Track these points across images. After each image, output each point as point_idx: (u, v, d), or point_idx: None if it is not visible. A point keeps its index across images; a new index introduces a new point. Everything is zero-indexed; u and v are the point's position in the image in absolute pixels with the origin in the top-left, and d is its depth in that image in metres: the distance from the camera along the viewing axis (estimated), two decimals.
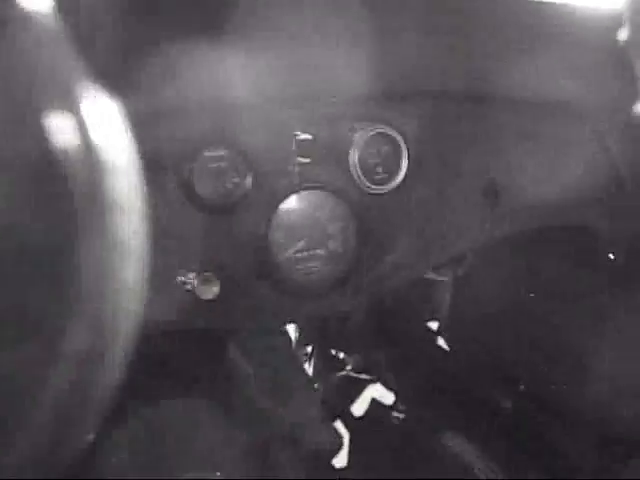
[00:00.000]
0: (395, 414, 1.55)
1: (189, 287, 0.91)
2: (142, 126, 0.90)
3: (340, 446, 1.32)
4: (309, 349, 1.70)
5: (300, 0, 0.96)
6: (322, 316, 1.01)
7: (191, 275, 0.91)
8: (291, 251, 0.98)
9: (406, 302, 1.71)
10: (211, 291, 0.89)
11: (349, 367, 1.75)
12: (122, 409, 1.23)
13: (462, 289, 1.75)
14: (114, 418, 1.21)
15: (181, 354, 1.32)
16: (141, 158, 0.89)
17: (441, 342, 1.79)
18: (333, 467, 1.36)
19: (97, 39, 0.84)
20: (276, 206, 0.97)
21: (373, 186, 1.02)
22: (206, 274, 0.90)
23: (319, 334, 1.65)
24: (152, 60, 0.88)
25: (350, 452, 1.55)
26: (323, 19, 0.98)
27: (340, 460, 1.47)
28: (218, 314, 0.96)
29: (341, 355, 1.76)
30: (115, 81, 0.84)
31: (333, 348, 1.70)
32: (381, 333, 1.69)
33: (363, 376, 1.75)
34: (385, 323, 1.69)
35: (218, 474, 1.05)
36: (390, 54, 1.01)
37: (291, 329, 1.62)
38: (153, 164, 0.90)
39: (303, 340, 1.64)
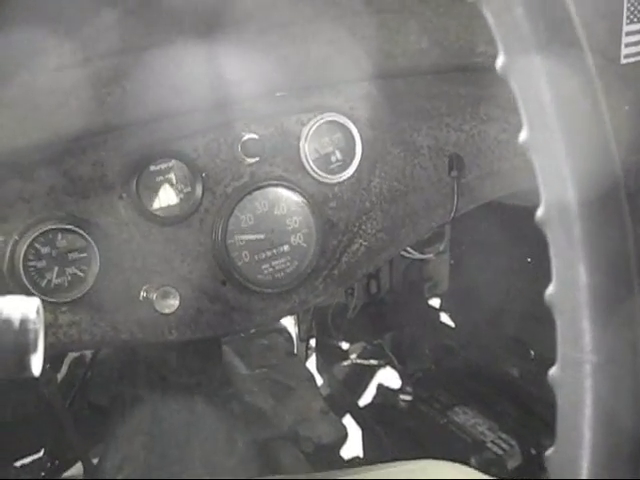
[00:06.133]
0: (403, 397, 1.55)
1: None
2: (85, 148, 0.90)
3: (344, 437, 1.32)
4: (312, 343, 1.70)
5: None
6: (296, 312, 1.01)
7: (151, 290, 0.91)
8: (253, 252, 0.98)
9: (405, 283, 1.70)
10: (169, 304, 0.89)
11: (354, 356, 1.74)
12: (122, 419, 1.25)
13: (460, 262, 1.73)
14: (116, 427, 1.23)
15: (176, 363, 1.33)
16: (87, 180, 0.90)
17: (445, 318, 1.78)
18: (341, 458, 1.36)
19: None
20: (231, 210, 0.96)
21: (329, 175, 1.01)
22: (163, 288, 0.90)
23: (319, 327, 1.64)
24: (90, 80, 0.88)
25: (363, 441, 1.55)
26: (261, 16, 0.98)
27: (351, 451, 1.47)
28: (188, 324, 0.96)
29: (344, 345, 1.76)
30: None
31: (335, 339, 1.70)
32: (383, 317, 1.68)
33: (371, 362, 1.75)
34: (386, 307, 1.68)
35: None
36: (329, 43, 1.00)
37: (290, 325, 1.62)
38: (100, 184, 0.90)
39: (305, 335, 1.64)
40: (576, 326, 0.39)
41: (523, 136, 0.41)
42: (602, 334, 0.38)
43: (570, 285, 0.39)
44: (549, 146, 0.40)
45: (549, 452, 0.41)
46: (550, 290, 0.40)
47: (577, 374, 0.39)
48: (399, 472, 0.66)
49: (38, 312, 0.50)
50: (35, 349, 0.49)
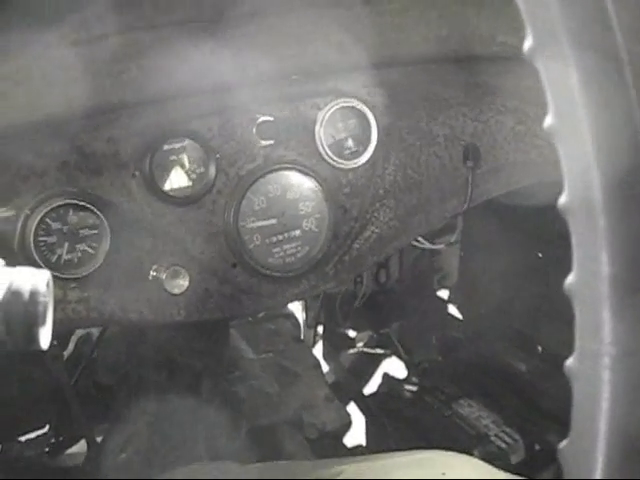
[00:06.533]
0: (408, 387, 1.54)
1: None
2: (98, 125, 0.90)
3: (348, 424, 1.32)
4: (319, 330, 1.69)
5: None
6: (305, 297, 1.01)
7: (161, 270, 0.90)
8: (264, 235, 0.97)
9: (414, 273, 1.69)
10: (179, 285, 0.89)
11: (360, 344, 1.74)
12: (128, 399, 1.25)
13: (470, 255, 1.72)
14: (121, 407, 1.23)
15: (184, 344, 1.33)
16: (100, 157, 0.90)
17: (453, 310, 1.77)
18: (345, 446, 1.36)
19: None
20: (244, 192, 0.95)
21: (343, 161, 1.00)
22: (174, 268, 0.89)
23: (327, 314, 1.64)
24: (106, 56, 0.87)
25: (366, 429, 1.55)
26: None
27: (354, 439, 1.46)
28: (197, 306, 0.96)
29: (351, 333, 1.75)
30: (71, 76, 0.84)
31: (343, 327, 1.69)
32: (391, 306, 1.68)
33: (378, 351, 1.74)
34: (394, 296, 1.67)
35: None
36: (348, 27, 0.99)
37: (297, 312, 1.61)
38: (113, 162, 0.90)
39: (312, 321, 1.63)
40: (596, 317, 0.38)
41: (548, 121, 0.40)
42: (622, 326, 0.37)
43: (591, 275, 0.38)
44: (575, 132, 0.39)
45: (562, 445, 0.40)
46: (570, 279, 0.39)
47: (595, 366, 0.38)
48: (406, 462, 0.66)
49: (48, 285, 0.50)
50: (44, 322, 0.49)
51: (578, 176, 0.39)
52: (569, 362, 0.40)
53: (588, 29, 0.39)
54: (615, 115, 0.38)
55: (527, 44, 0.40)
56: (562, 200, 0.39)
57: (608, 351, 0.37)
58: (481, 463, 0.67)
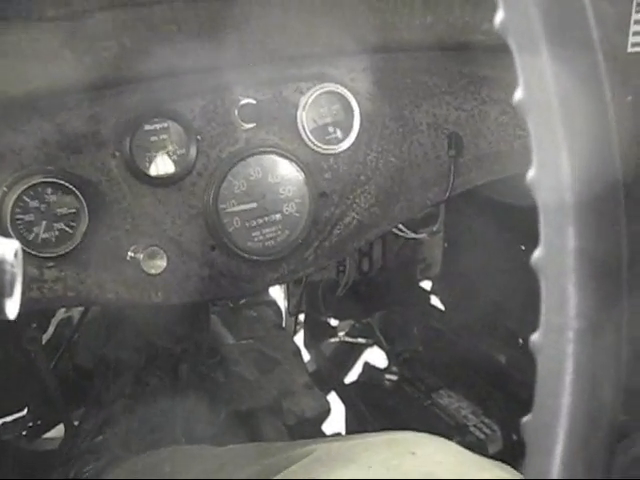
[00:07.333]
0: (389, 377, 1.54)
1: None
2: (79, 103, 0.89)
3: (327, 412, 1.32)
4: (301, 318, 1.69)
5: None
6: (284, 282, 1.01)
7: (139, 250, 0.90)
8: (244, 219, 0.97)
9: (397, 263, 1.69)
10: (156, 265, 0.88)
11: (342, 333, 1.74)
12: (106, 381, 1.25)
13: (453, 247, 1.72)
14: (99, 389, 1.23)
15: (164, 329, 1.32)
16: (80, 135, 0.89)
17: (435, 301, 1.78)
18: (323, 433, 1.36)
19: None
20: (224, 175, 0.95)
21: (325, 146, 1.00)
22: (152, 248, 0.89)
23: (309, 302, 1.63)
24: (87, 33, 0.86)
25: (346, 418, 1.55)
26: None
27: (333, 427, 1.47)
28: (175, 288, 0.95)
29: (333, 322, 1.75)
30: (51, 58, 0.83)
31: (324, 315, 1.69)
32: (373, 296, 1.68)
33: (359, 340, 1.74)
34: (377, 286, 1.67)
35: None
36: (332, 12, 0.98)
37: (279, 299, 1.61)
38: (93, 140, 0.89)
39: (294, 309, 1.63)
40: (561, 291, 0.38)
41: (518, 95, 0.40)
42: (587, 300, 0.37)
43: (557, 249, 0.38)
44: (544, 106, 0.39)
45: (525, 419, 0.41)
46: (537, 254, 0.40)
47: (559, 340, 0.38)
48: (378, 441, 0.66)
49: (16, 255, 0.49)
50: (11, 292, 0.48)
51: (546, 150, 0.39)
52: (534, 336, 0.40)
53: (561, 7, 0.39)
54: (584, 89, 0.38)
55: (498, 17, 0.40)
56: (530, 174, 0.39)
57: (572, 325, 0.37)
58: (452, 444, 0.67)
